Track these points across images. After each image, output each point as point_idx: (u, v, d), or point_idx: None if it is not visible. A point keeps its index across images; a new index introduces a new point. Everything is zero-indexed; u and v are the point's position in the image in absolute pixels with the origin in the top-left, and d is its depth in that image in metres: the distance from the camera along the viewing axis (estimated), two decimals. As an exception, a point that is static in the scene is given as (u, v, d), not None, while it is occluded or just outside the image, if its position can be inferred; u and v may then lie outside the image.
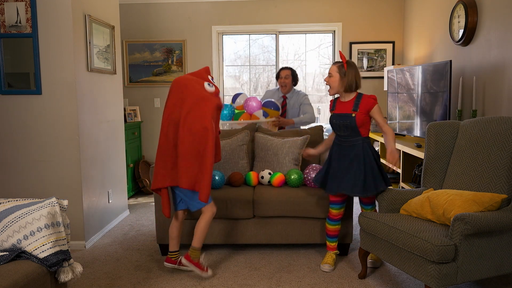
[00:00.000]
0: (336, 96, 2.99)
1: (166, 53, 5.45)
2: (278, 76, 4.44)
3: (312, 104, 4.41)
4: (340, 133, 2.91)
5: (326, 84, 2.91)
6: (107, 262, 3.15)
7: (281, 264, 3.07)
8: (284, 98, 4.39)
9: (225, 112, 4.11)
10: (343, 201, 2.98)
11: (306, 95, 4.41)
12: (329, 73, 2.89)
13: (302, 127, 4.29)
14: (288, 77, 4.32)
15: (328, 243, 3.07)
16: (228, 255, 3.23)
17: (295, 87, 4.46)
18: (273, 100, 4.23)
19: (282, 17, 5.38)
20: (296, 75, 4.42)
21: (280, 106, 4.27)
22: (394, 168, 2.83)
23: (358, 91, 2.92)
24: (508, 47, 3.13)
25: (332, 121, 2.93)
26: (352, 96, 2.88)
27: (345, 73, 2.83)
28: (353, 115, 2.81)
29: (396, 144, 3.67)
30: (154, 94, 5.54)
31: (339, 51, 3.03)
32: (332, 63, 2.95)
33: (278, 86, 4.47)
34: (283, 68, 4.43)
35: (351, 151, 2.85)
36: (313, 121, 4.30)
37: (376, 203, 2.92)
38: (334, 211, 2.99)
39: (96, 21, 3.62)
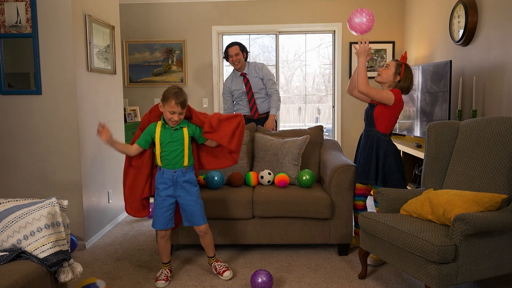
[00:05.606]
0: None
1: (166, 53, 5.45)
2: (227, 56, 4.22)
3: (271, 72, 4.36)
4: (365, 122, 3.14)
5: (378, 74, 3.03)
6: (107, 262, 3.15)
7: (281, 264, 3.07)
8: (244, 75, 4.26)
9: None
10: (365, 195, 3.22)
11: (263, 64, 4.30)
12: (387, 64, 3.04)
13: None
14: (238, 53, 4.17)
15: (355, 229, 3.35)
16: (228, 256, 3.23)
17: (248, 60, 4.33)
18: None
19: (282, 17, 5.38)
20: (244, 47, 4.25)
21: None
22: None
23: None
24: (508, 47, 3.13)
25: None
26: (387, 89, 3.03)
27: (400, 73, 2.98)
28: (375, 104, 3.01)
29: (396, 144, 3.65)
30: (154, 94, 5.54)
31: (405, 52, 3.21)
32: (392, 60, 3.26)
33: (232, 70, 4.33)
34: (229, 46, 4.20)
35: (367, 141, 3.06)
36: (279, 96, 4.31)
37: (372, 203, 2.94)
38: (357, 203, 3.23)
39: (96, 21, 3.62)
